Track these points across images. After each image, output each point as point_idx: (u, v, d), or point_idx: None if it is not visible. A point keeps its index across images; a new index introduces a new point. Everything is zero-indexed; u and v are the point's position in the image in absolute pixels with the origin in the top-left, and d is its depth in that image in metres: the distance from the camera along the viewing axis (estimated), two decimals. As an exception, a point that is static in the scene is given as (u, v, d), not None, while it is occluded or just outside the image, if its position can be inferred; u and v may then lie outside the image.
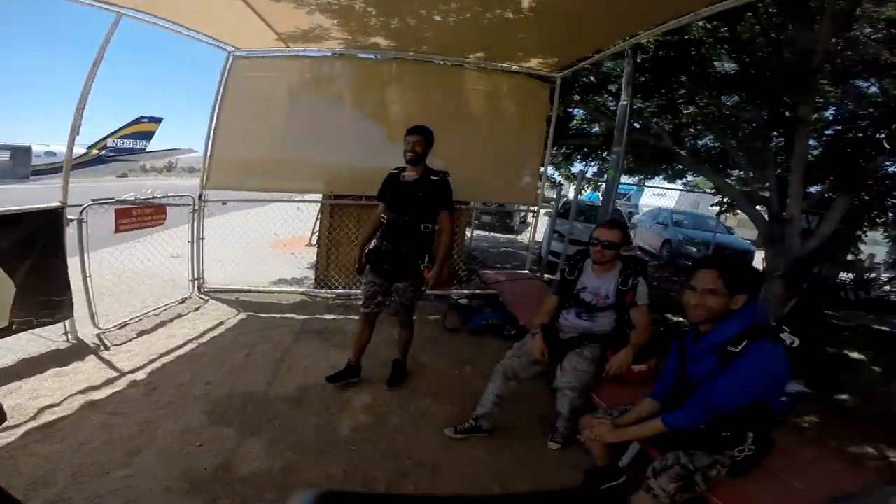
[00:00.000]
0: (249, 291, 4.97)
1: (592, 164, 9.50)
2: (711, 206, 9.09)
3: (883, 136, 4.44)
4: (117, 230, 3.88)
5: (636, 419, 1.88)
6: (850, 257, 5.98)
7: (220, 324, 4.08)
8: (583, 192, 7.71)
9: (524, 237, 11.17)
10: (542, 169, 5.52)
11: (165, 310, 4.30)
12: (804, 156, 4.42)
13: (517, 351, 2.61)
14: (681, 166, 7.73)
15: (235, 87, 4.69)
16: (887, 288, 8.92)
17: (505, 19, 3.60)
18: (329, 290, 5.08)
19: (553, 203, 6.97)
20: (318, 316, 4.33)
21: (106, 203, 3.73)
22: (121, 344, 3.57)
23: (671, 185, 10.45)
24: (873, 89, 5.29)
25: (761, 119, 5.08)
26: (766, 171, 5.26)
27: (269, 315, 4.34)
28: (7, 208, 2.99)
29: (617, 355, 2.41)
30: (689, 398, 1.72)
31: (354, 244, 4.49)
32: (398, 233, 2.84)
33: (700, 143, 7.79)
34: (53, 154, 19.81)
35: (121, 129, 23.36)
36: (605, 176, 4.79)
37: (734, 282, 1.67)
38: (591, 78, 6.81)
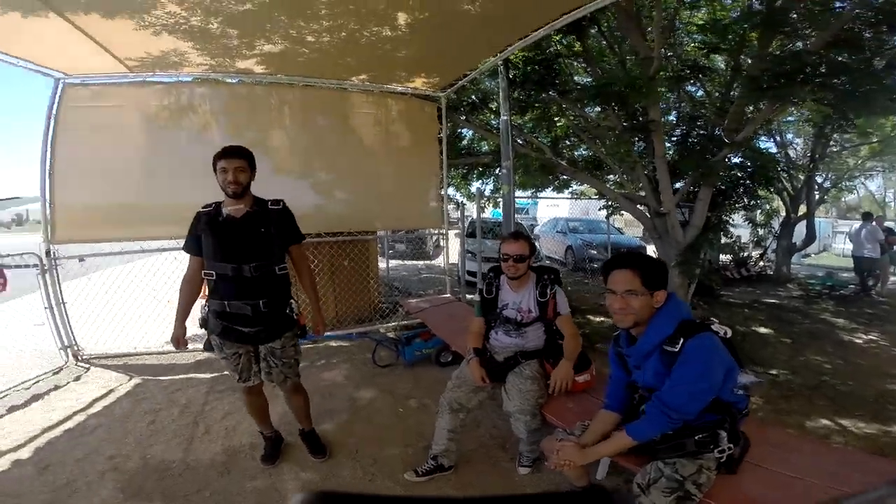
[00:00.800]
0: (140, 354, 4.54)
1: (488, 181, 10.00)
2: (599, 209, 9.93)
3: (720, 132, 5.18)
4: None
5: (601, 435, 1.82)
6: (724, 241, 6.83)
7: (111, 391, 3.68)
8: (484, 209, 8.05)
9: (440, 261, 11.38)
10: (442, 190, 5.72)
11: (37, 382, 3.82)
12: (664, 156, 5.05)
13: (456, 381, 2.54)
14: (565, 176, 8.39)
15: (70, 121, 4.12)
16: (762, 264, 10.37)
17: (383, 38, 3.68)
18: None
19: (460, 224, 7.19)
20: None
21: None
22: (-13, 423, 3.13)
23: (559, 196, 11.26)
24: (700, 92, 6.26)
25: (621, 125, 5.71)
26: (635, 172, 5.90)
27: (169, 377, 3.99)
28: None
29: (557, 370, 2.41)
30: (648, 406, 1.69)
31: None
32: (249, 287, 2.28)
33: (577, 153, 8.55)
34: None
35: None
36: (501, 192, 5.05)
37: (651, 278, 1.67)
38: (474, 97, 7.26)
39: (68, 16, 2.93)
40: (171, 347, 4.60)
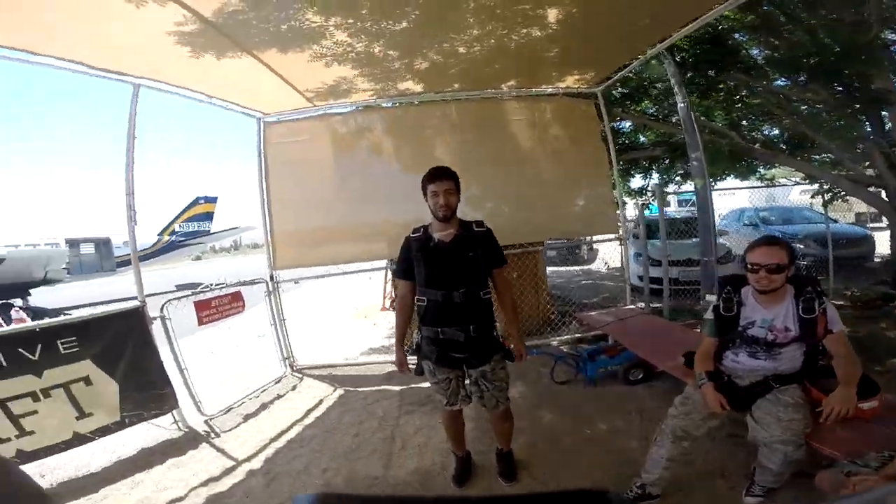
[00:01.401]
0: (340, 366, 4.95)
1: (652, 176, 9.09)
2: (813, 196, 8.11)
3: None
4: (200, 323, 4.01)
5: None
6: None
7: (320, 402, 4.03)
8: (647, 206, 7.29)
9: (598, 265, 10.69)
10: (615, 192, 5.23)
11: (264, 391, 4.36)
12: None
13: (683, 408, 2.27)
14: (755, 161, 7.19)
15: (274, 155, 4.71)
16: None
17: (532, 38, 3.51)
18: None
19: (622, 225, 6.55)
20: (413, 385, 4.13)
21: (182, 297, 3.91)
22: (229, 430, 3.62)
23: (741, 185, 9.61)
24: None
25: (834, 99, 4.63)
26: (864, 150, 4.73)
27: (365, 389, 4.25)
28: (94, 313, 3.31)
29: (833, 397, 2.04)
30: None
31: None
32: (459, 312, 2.25)
33: (766, 133, 7.29)
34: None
35: (183, 212, 24.38)
36: (694, 185, 4.38)
37: None
38: (623, 89, 6.64)
39: (255, 53, 3.24)
40: (366, 359, 5.05)
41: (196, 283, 18.79)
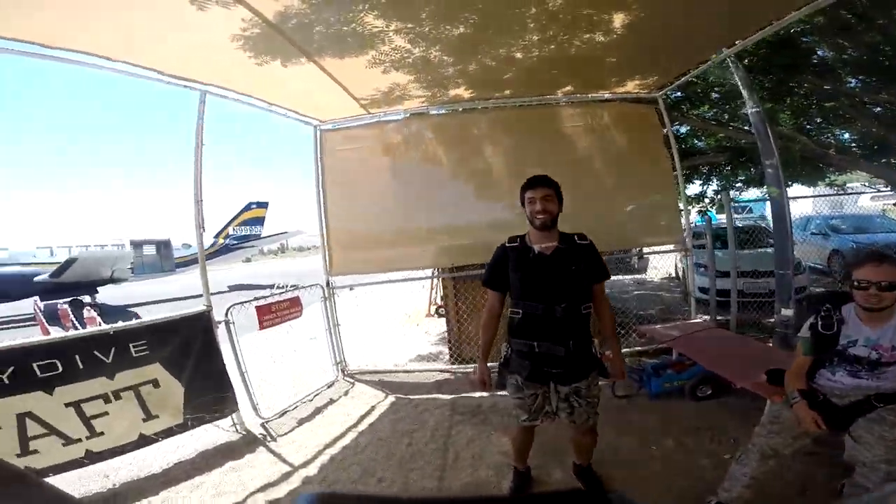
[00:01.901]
0: (391, 372, 4.91)
1: (712, 182, 8.67)
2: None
3: None
4: (261, 327, 4.06)
5: None
6: None
7: (372, 409, 4.00)
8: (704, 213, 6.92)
9: (651, 275, 10.27)
10: (679, 201, 4.95)
11: (317, 395, 4.38)
12: None
13: (772, 426, 2.20)
14: (830, 166, 6.71)
15: (331, 162, 4.75)
16: None
17: (595, 44, 3.36)
18: (467, 365, 4.78)
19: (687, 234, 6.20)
20: (464, 394, 4.06)
21: (246, 303, 4.00)
22: (285, 434, 3.64)
23: (812, 192, 8.99)
24: None
25: None
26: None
27: (416, 396, 4.18)
28: (164, 316, 3.36)
29: None
30: None
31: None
32: (558, 327, 2.12)
33: (838, 137, 6.81)
34: (189, 246, 22.63)
35: (236, 217, 25.40)
36: (768, 193, 4.06)
37: None
38: (681, 93, 6.34)
39: (316, 59, 3.23)
40: (416, 366, 4.97)
41: (248, 284, 19.89)
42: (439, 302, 7.68)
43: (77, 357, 2.84)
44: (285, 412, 4.00)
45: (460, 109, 4.78)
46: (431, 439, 3.34)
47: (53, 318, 10.32)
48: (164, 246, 22.27)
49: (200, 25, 2.54)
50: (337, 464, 3.12)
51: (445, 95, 4.39)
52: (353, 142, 4.75)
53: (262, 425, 3.74)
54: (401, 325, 7.08)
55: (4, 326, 12.64)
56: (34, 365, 2.67)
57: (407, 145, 4.76)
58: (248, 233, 25.55)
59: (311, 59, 3.20)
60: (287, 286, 4.44)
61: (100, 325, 8.01)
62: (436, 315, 7.63)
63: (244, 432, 3.63)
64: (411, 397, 4.17)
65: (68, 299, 11.60)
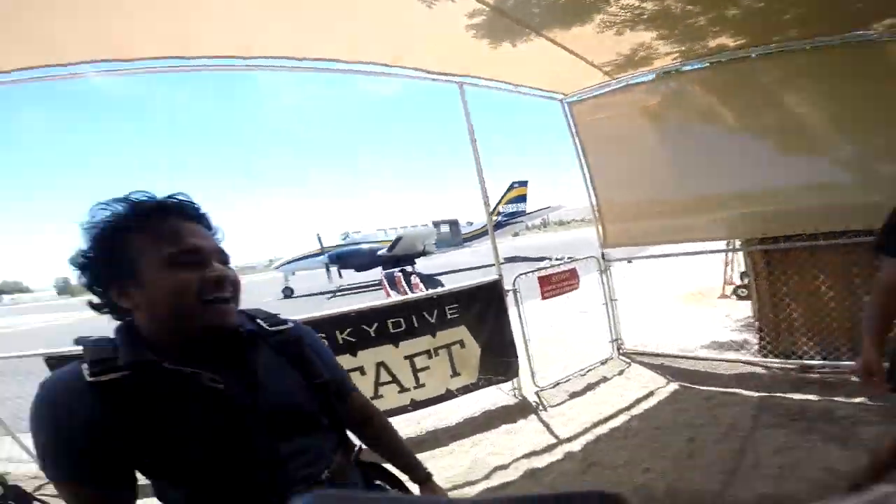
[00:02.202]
0: (676, 357, 4.32)
1: None
2: None
3: None
4: (543, 297, 4.15)
5: None
6: None
7: (651, 394, 3.63)
8: None
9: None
10: None
11: (590, 370, 4.28)
12: None
13: None
14: None
15: (586, 133, 4.47)
16: None
17: None
18: (787, 361, 3.74)
19: None
20: (780, 394, 3.26)
21: (529, 273, 4.14)
22: (556, 405, 3.68)
23: None
24: None
25: None
26: None
27: (708, 388, 3.57)
28: (465, 284, 3.71)
29: None
30: None
31: (821, 302, 3.46)
32: None
33: None
34: (471, 223, 27.77)
35: (503, 196, 28.48)
36: None
37: None
38: None
39: (544, 33, 3.04)
40: (709, 353, 4.29)
41: (519, 256, 22.42)
42: (738, 281, 6.44)
43: (413, 317, 3.42)
44: (558, 384, 4.05)
45: (723, 60, 3.74)
46: (723, 438, 2.80)
47: (391, 283, 13.10)
48: (454, 224, 27.66)
49: (440, 19, 2.67)
50: (602, 444, 2.97)
51: (704, 47, 3.57)
52: (606, 109, 4.34)
53: (537, 393, 3.88)
54: (687, 305, 6.16)
55: (363, 290, 17.36)
56: (388, 322, 3.37)
57: (667, 106, 4.08)
58: (515, 210, 28.66)
59: (540, 34, 3.05)
60: (564, 258, 4.40)
61: (423, 290, 9.94)
62: (733, 296, 6.37)
63: (520, 398, 3.84)
64: (701, 388, 3.59)
65: (397, 269, 14.81)
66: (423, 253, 21.07)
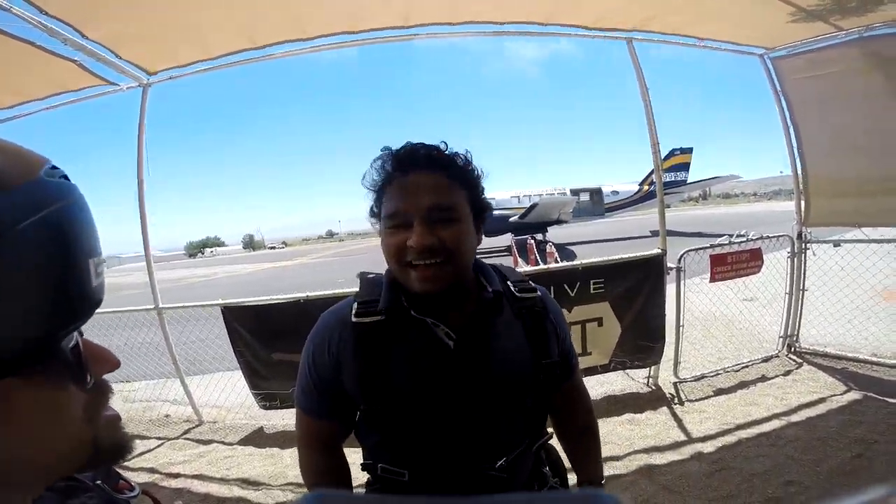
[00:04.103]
0: (865, 362, 3.81)
1: None
2: None
3: None
4: (712, 279, 3.91)
5: None
6: None
7: (820, 401, 3.30)
8: None
9: None
10: None
11: (747, 366, 4.01)
12: None
13: None
14: None
15: (795, 93, 3.99)
16: None
17: None
18: None
19: None
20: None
21: (701, 249, 3.88)
22: (696, 400, 3.55)
23: None
24: None
25: None
26: None
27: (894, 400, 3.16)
28: (619, 256, 3.62)
29: None
30: None
31: None
32: None
33: None
34: (617, 193, 27.18)
35: (662, 162, 26.28)
36: None
37: None
38: None
39: None
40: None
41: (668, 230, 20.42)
42: None
43: (551, 288, 3.22)
44: (703, 377, 3.89)
45: None
46: (898, 459, 2.52)
47: (521, 251, 13.21)
48: (595, 193, 27.34)
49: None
50: (741, 448, 2.84)
51: None
52: (825, 66, 3.79)
53: (675, 385, 3.77)
54: (883, 301, 5.20)
55: (487, 255, 18.02)
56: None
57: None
58: (674, 179, 27.36)
59: None
60: (749, 234, 4.00)
61: (557, 260, 9.87)
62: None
63: (654, 387, 3.77)
64: (889, 401, 3.18)
65: (526, 236, 14.92)
66: (558, 221, 21.06)
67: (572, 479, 1.21)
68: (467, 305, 1.00)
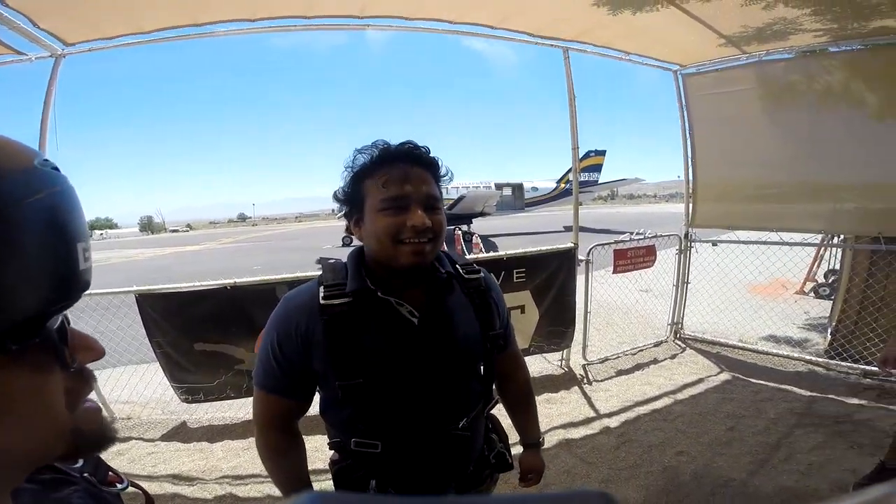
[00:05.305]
0: (734, 347, 4.53)
1: None
2: None
3: None
4: (615, 271, 4.41)
5: None
6: None
7: (700, 381, 3.89)
8: None
9: None
10: None
11: (642, 350, 4.58)
12: None
13: None
14: None
15: (698, 108, 4.53)
16: None
17: None
18: (853, 365, 3.85)
19: None
20: (832, 397, 3.43)
21: (607, 244, 4.37)
22: (602, 380, 4.02)
23: None
24: None
25: None
26: None
27: (759, 382, 3.80)
28: (538, 248, 3.92)
29: None
30: None
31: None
32: None
33: None
34: (536, 189, 29.25)
35: (578, 162, 28.39)
36: None
37: None
38: None
39: (677, 2, 3.07)
40: (769, 347, 4.48)
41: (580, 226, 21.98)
42: (822, 279, 6.49)
43: None
44: (607, 359, 4.40)
45: (882, 44, 3.59)
46: (763, 431, 3.07)
47: (449, 242, 13.64)
48: (517, 188, 28.98)
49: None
50: (640, 423, 3.29)
51: (863, 27, 3.45)
52: (728, 84, 4.35)
53: (584, 366, 4.24)
54: (760, 297, 6.20)
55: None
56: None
57: (802, 87, 3.99)
58: (588, 179, 29.45)
59: (672, 3, 3.10)
60: (646, 233, 4.61)
61: (482, 250, 10.37)
62: (812, 294, 6.45)
63: (566, 369, 4.22)
64: (752, 381, 3.82)
65: (453, 227, 15.40)
66: (482, 214, 21.91)
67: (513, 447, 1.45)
68: (424, 285, 1.15)
